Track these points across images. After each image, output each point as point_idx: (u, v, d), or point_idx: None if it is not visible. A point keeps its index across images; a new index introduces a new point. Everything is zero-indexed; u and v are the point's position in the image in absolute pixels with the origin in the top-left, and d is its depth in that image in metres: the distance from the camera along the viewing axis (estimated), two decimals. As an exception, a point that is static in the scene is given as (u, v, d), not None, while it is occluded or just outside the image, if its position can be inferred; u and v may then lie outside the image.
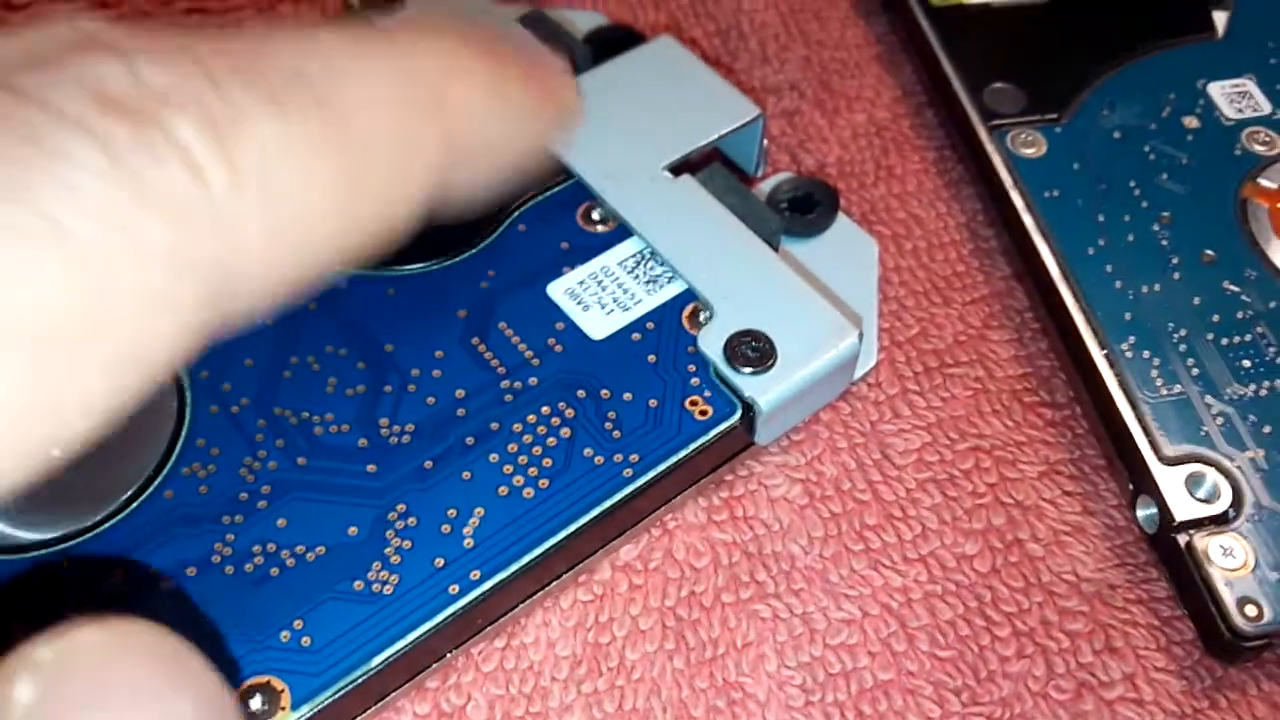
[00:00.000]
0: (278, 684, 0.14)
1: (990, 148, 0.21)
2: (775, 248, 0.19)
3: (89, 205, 0.10)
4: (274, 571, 0.15)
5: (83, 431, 0.10)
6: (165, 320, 0.10)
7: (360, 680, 0.14)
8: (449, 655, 0.16)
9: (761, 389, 0.17)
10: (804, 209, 0.20)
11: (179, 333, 0.11)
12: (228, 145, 0.11)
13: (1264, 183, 0.21)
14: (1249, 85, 0.22)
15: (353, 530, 0.15)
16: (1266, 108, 0.22)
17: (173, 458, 0.16)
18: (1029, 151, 0.21)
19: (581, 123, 0.20)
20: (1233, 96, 0.22)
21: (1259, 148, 0.21)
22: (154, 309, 0.10)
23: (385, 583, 0.15)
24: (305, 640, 0.14)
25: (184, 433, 0.16)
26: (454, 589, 0.15)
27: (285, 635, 0.14)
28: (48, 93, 0.10)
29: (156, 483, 0.16)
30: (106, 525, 0.15)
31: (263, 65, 0.12)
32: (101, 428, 0.10)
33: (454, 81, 0.14)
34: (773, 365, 0.17)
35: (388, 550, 0.15)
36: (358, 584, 0.15)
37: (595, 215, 0.19)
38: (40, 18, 0.16)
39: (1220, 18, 0.23)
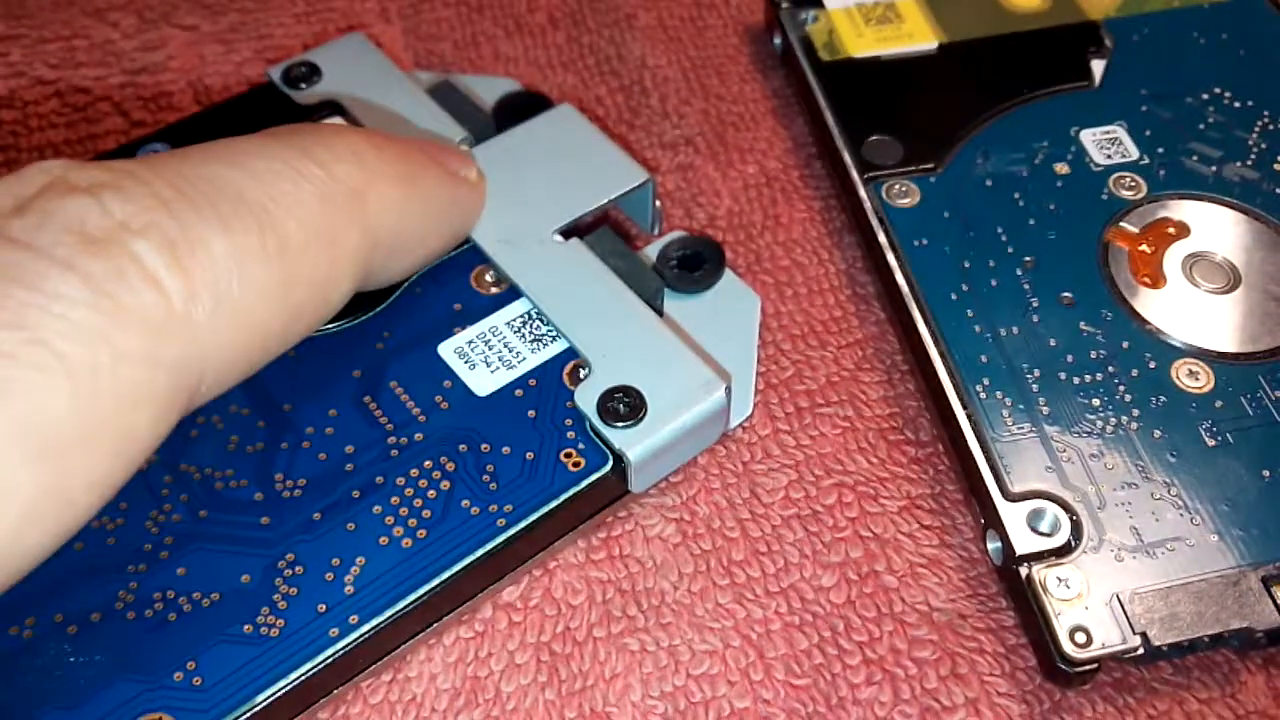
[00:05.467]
0: (169, 721, 0.16)
1: (865, 198, 0.22)
2: (658, 306, 0.21)
3: (77, 331, 0.12)
4: (171, 617, 0.17)
5: (91, 513, 0.13)
6: (147, 410, 0.13)
7: (246, 716, 0.16)
8: (336, 690, 0.17)
9: (631, 441, 0.18)
10: (692, 267, 0.21)
11: (159, 417, 0.13)
12: (184, 261, 0.14)
13: (1126, 226, 0.22)
14: (1119, 132, 0.23)
15: (245, 578, 0.17)
16: (1134, 154, 0.23)
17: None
18: (904, 201, 0.22)
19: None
20: (1103, 143, 0.23)
21: (1125, 193, 0.22)
22: (136, 402, 0.13)
23: (272, 626, 0.17)
24: (197, 680, 0.16)
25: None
26: (334, 632, 0.16)
27: (178, 675, 0.16)
28: (36, 236, 0.13)
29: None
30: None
31: (207, 188, 0.14)
32: (102, 505, 0.13)
33: (370, 182, 0.17)
34: (643, 419, 0.18)
35: (275, 596, 0.17)
36: (247, 627, 0.16)
37: (489, 277, 0.20)
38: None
39: (1098, 66, 0.24)
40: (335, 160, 0.16)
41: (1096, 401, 0.20)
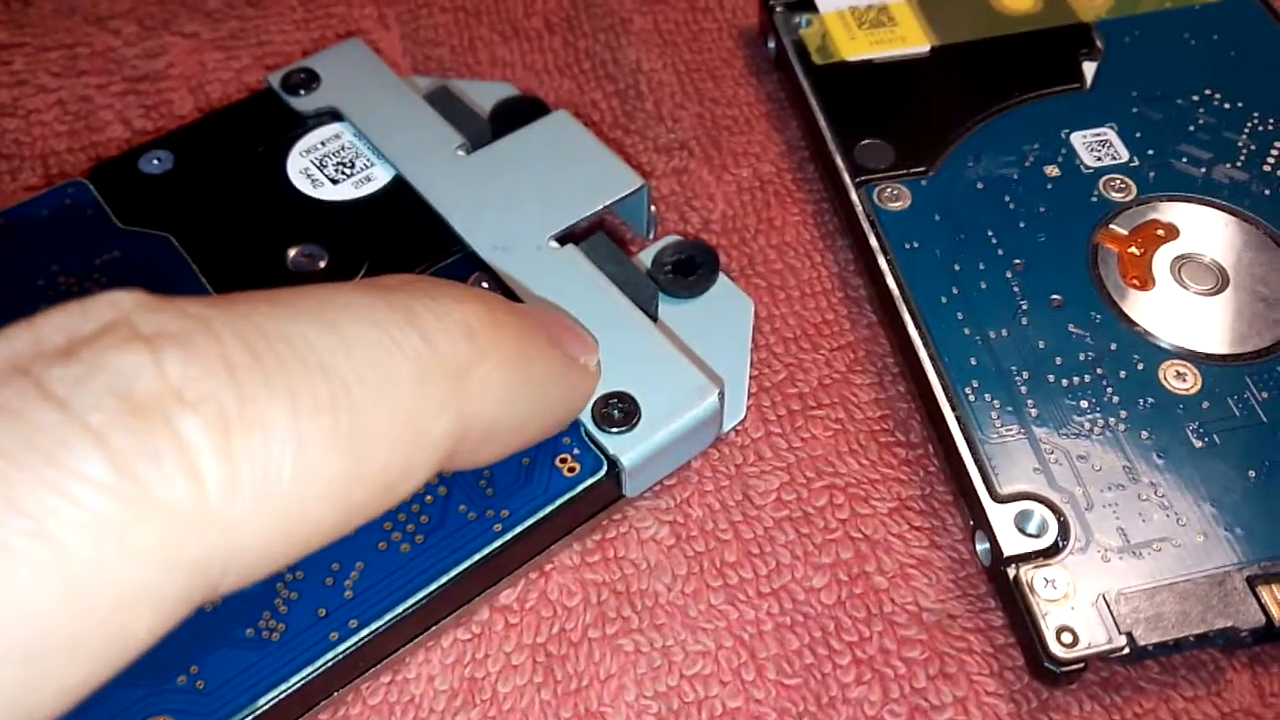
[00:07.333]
0: (173, 724, 0.16)
1: (857, 202, 0.22)
2: (653, 312, 0.21)
3: (84, 517, 0.10)
4: (175, 622, 0.17)
5: (56, 714, 0.11)
6: (148, 613, 0.11)
7: (249, 719, 0.16)
8: (337, 692, 0.18)
9: (625, 447, 0.18)
10: (686, 271, 0.22)
11: (164, 619, 0.11)
12: (232, 445, 0.11)
13: (1115, 228, 0.22)
14: (1109, 134, 0.24)
15: (247, 583, 0.17)
16: (1124, 155, 0.23)
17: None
18: (895, 205, 0.22)
19: (477, 196, 0.22)
20: (1093, 145, 0.23)
21: (1115, 195, 0.23)
22: (139, 605, 0.11)
23: (273, 630, 0.17)
24: (200, 683, 0.16)
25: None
26: (334, 636, 0.17)
27: (181, 679, 0.16)
28: (75, 393, 0.11)
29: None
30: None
31: (286, 353, 0.12)
32: (72, 709, 0.11)
33: (476, 363, 0.14)
34: (636, 424, 0.19)
35: (277, 601, 0.17)
36: (249, 632, 0.17)
37: (485, 285, 0.21)
38: None
39: (1089, 68, 0.25)
40: (442, 332, 0.14)
41: (1084, 403, 0.20)
